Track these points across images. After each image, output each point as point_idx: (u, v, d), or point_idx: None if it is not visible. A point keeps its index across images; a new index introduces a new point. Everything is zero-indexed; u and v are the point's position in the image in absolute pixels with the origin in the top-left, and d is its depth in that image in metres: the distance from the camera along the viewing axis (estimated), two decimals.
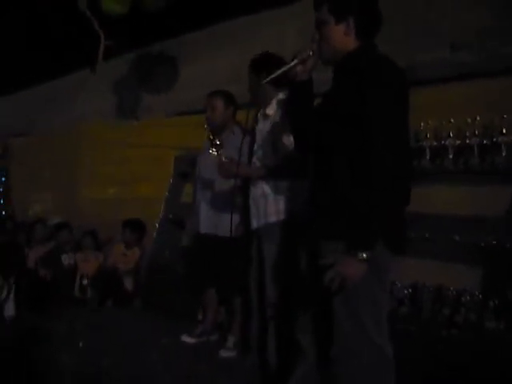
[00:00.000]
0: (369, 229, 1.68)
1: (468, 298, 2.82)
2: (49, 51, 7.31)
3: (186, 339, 3.50)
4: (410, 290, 3.04)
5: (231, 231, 2.78)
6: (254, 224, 2.82)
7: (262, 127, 2.82)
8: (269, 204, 2.73)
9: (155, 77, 5.33)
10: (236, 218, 3.13)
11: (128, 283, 4.63)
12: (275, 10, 4.30)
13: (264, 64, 2.72)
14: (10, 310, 4.06)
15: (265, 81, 2.09)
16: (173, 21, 4.12)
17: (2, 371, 2.95)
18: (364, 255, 1.66)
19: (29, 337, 3.52)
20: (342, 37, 1.82)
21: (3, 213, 6.88)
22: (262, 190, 2.76)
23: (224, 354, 3.27)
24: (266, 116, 2.81)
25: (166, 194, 4.81)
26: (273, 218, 2.72)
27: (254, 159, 2.87)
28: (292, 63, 1.93)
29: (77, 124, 6.12)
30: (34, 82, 6.98)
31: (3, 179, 7.08)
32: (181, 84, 5.08)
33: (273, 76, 2.02)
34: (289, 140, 2.54)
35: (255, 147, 2.89)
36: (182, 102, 4.94)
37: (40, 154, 6.70)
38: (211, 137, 2.84)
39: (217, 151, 2.78)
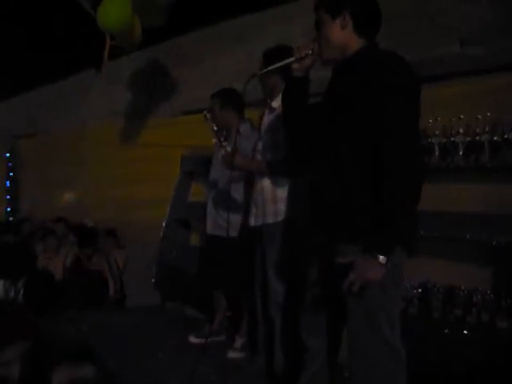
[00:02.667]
0: (393, 231, 1.65)
1: (479, 297, 2.77)
2: (54, 52, 7.33)
3: (193, 340, 3.48)
4: (420, 290, 2.99)
5: (227, 231, 2.80)
6: (252, 222, 2.79)
7: (267, 120, 2.79)
8: (267, 204, 2.69)
9: (160, 76, 5.31)
10: (234, 217, 3.11)
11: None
12: (281, 7, 4.26)
13: (275, 57, 2.57)
14: None
15: (260, 72, 2.17)
16: (178, 19, 4.10)
17: None
18: (385, 259, 1.63)
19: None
20: (340, 32, 1.82)
21: (8, 209, 6.91)
22: (262, 186, 2.72)
23: (232, 355, 3.25)
24: (271, 109, 2.79)
25: (173, 193, 4.78)
26: (270, 219, 2.69)
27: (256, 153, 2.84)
28: (288, 60, 1.97)
29: (83, 124, 6.12)
30: (39, 83, 7.01)
31: (11, 174, 7.11)
32: (187, 82, 5.06)
33: (267, 69, 2.10)
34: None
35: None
36: (188, 101, 4.91)
37: (47, 154, 6.71)
38: (215, 128, 2.80)
39: (220, 142, 2.74)
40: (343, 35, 1.82)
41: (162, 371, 3.02)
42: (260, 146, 2.80)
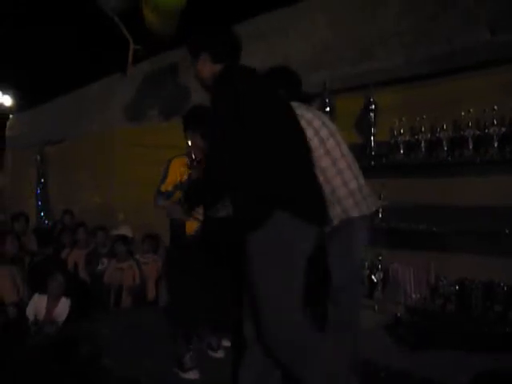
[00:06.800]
0: None
1: None
2: (80, 58, 7.43)
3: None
4: (457, 287, 2.92)
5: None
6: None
7: None
8: None
9: (183, 78, 5.32)
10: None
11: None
12: (303, 3, 4.21)
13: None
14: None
15: None
16: (199, 19, 4.09)
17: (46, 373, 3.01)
18: None
19: (73, 340, 3.57)
20: (202, 68, 2.25)
21: (42, 213, 7.05)
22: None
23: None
24: None
25: None
26: None
27: None
28: None
29: (110, 128, 6.18)
30: (66, 89, 7.12)
31: (42, 180, 7.25)
32: None
33: None
34: None
35: None
36: None
37: (75, 159, 6.80)
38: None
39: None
40: (205, 69, 2.23)
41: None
42: None
